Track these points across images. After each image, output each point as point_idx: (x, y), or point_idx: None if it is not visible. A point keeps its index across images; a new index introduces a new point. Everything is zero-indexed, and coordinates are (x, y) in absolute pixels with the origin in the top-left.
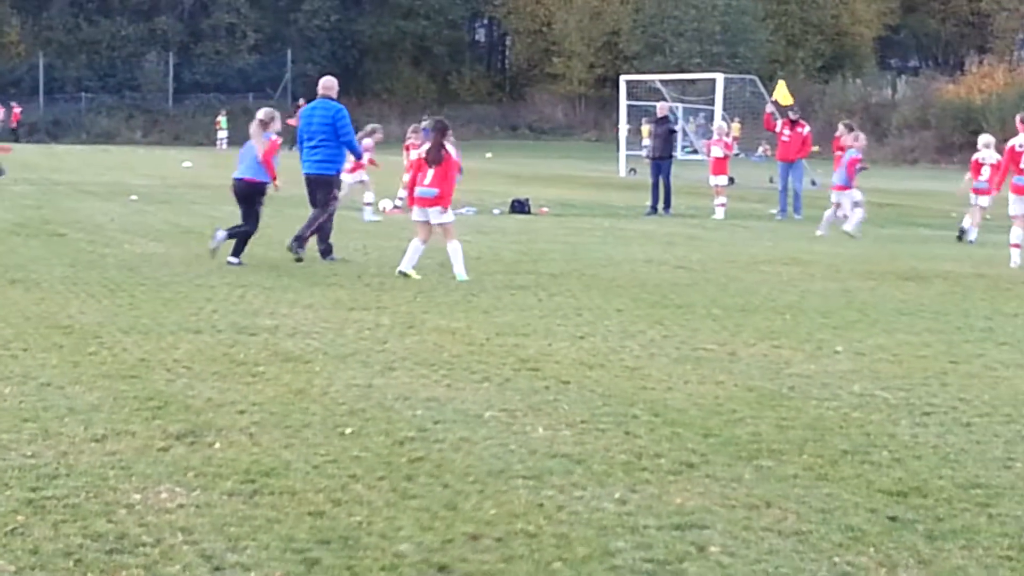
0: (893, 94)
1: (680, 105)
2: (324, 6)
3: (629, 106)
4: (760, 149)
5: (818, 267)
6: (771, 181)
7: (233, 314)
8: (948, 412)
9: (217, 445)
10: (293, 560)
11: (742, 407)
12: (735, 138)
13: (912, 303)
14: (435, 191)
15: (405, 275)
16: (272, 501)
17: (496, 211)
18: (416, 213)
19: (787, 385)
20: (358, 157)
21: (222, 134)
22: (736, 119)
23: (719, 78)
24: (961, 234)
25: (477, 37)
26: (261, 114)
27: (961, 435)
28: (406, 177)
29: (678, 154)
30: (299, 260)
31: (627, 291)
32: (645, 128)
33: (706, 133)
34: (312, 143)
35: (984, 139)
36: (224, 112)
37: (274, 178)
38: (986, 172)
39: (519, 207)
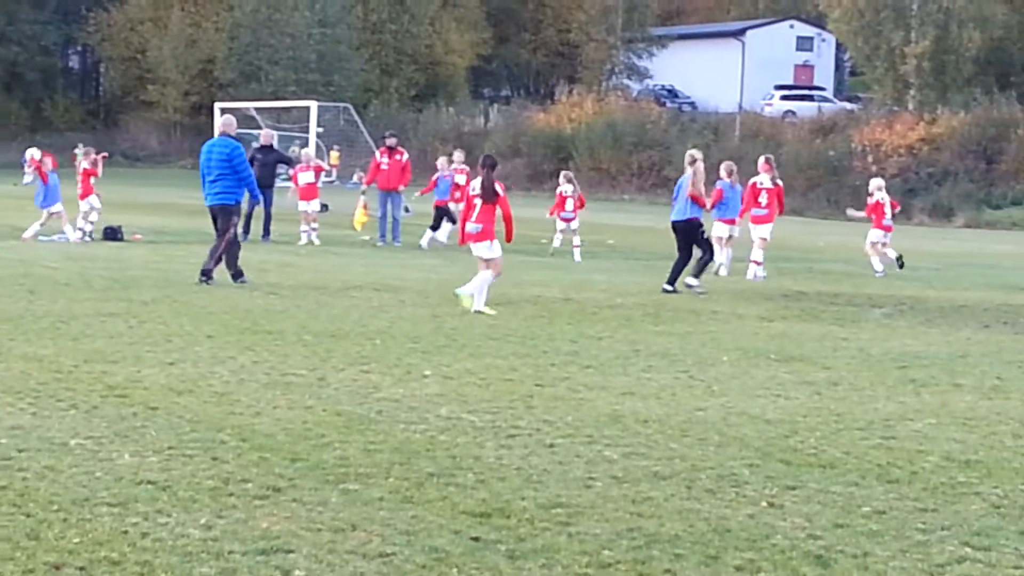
0: (486, 123)
1: (276, 132)
2: None
3: None
4: (355, 176)
5: (409, 293)
6: (366, 208)
7: None
8: (533, 434)
9: None
10: None
11: (330, 431)
12: (333, 165)
13: (501, 328)
14: (479, 227)
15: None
16: None
17: (88, 238)
18: (472, 249)
19: (375, 409)
20: (254, 195)
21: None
22: (335, 147)
23: (313, 106)
24: (900, 261)
25: (71, 64)
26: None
27: (544, 456)
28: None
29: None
30: (205, 282)
31: (218, 317)
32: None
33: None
34: (211, 177)
35: (876, 183)
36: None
37: (704, 207)
38: (888, 211)
39: (111, 234)
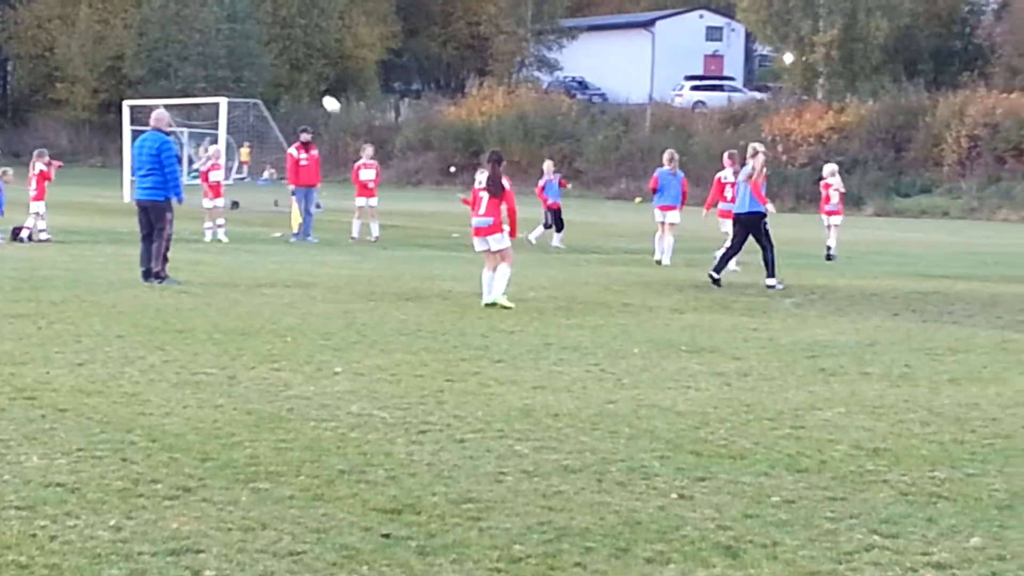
0: (396, 116)
1: (186, 130)
2: None
3: (134, 131)
4: (266, 173)
5: (320, 289)
6: (276, 205)
7: None
8: (443, 429)
9: None
10: None
11: (240, 430)
12: (244, 162)
13: (411, 323)
14: (490, 220)
15: (494, 305)
16: None
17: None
18: (477, 243)
19: (286, 407)
20: (177, 194)
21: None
22: (245, 143)
23: (223, 102)
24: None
25: None
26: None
27: (455, 451)
28: None
29: (185, 179)
30: (161, 283)
31: (128, 317)
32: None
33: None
34: (142, 172)
35: (830, 168)
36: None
37: (764, 203)
38: (835, 196)
39: (18, 234)
